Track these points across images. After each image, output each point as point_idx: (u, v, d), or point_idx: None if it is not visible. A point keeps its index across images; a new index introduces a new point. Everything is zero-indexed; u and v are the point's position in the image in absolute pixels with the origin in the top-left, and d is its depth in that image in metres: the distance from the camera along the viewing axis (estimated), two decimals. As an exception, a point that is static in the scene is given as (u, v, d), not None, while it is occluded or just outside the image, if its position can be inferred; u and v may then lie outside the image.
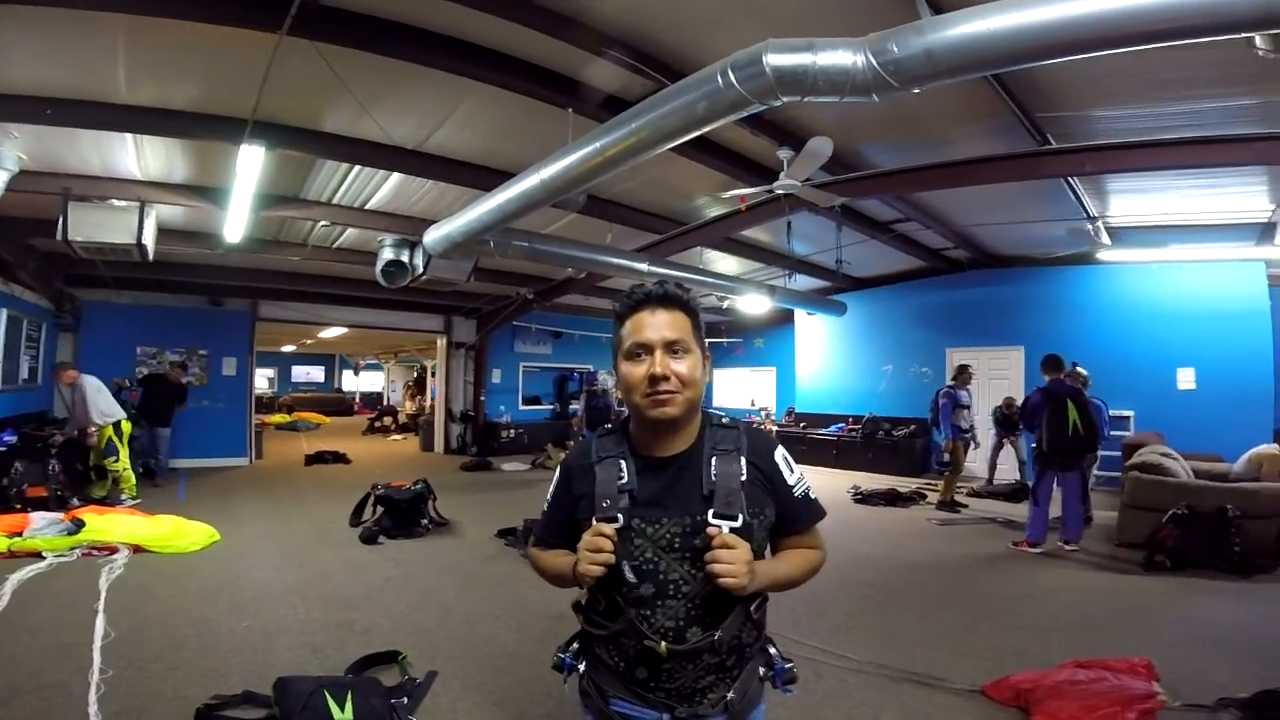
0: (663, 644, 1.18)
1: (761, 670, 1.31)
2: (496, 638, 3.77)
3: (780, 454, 1.32)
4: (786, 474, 1.31)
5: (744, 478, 1.23)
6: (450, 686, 3.15)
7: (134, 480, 7.35)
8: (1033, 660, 3.40)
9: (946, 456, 8.19)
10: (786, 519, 1.31)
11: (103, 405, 7.23)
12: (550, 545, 1.39)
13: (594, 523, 1.21)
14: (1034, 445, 6.26)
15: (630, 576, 1.20)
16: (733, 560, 1.12)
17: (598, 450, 1.30)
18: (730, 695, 1.23)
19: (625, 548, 1.20)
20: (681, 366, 1.21)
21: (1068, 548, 5.84)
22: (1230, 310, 8.23)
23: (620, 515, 1.21)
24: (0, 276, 7.35)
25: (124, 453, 7.28)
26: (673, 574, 1.20)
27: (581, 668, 1.33)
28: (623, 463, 1.26)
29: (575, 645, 1.37)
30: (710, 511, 1.19)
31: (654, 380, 1.19)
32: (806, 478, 1.36)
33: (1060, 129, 5.06)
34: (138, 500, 7.11)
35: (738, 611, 1.21)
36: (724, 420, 1.32)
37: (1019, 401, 8.59)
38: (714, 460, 1.24)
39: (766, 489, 1.27)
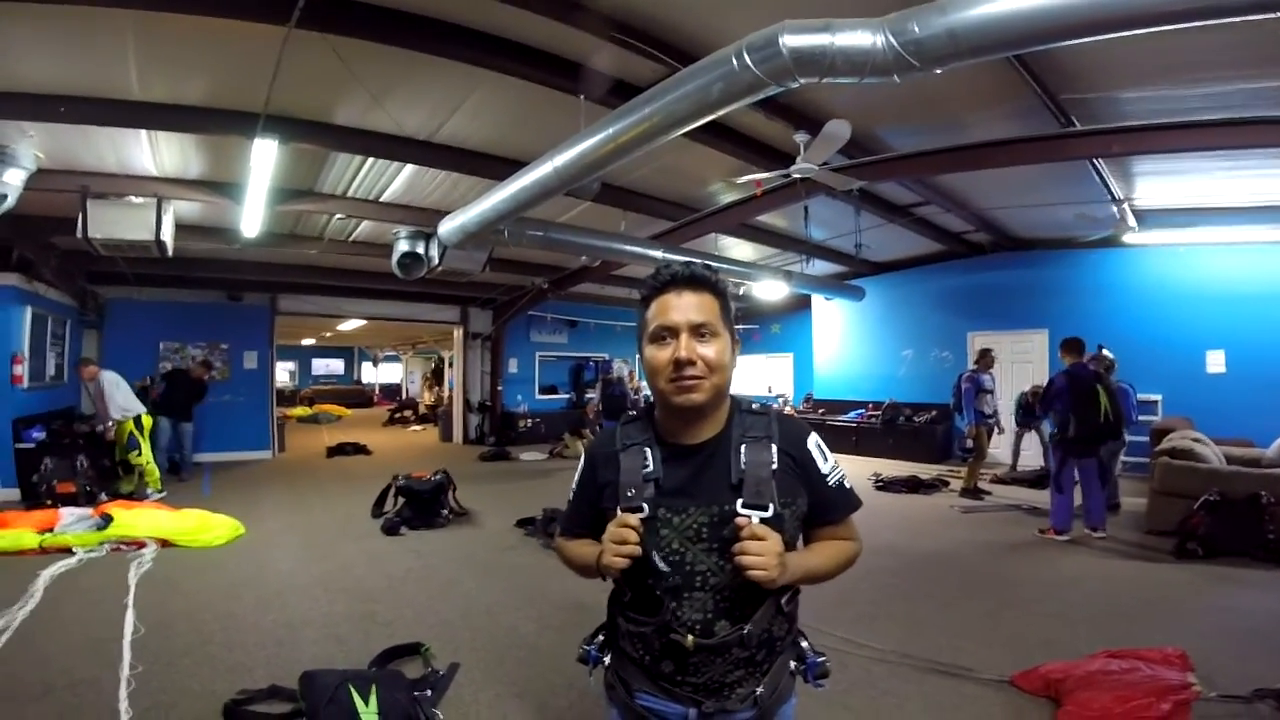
0: (689, 638, 1.15)
1: (793, 664, 1.27)
2: (517, 629, 3.78)
3: (814, 441, 1.28)
4: (820, 462, 1.27)
5: (775, 466, 1.19)
6: (472, 678, 3.16)
7: (159, 474, 7.47)
8: (1061, 650, 3.34)
9: (970, 442, 8.09)
10: (820, 509, 1.27)
11: (120, 400, 7.35)
12: (576, 535, 1.36)
13: (619, 513, 1.18)
14: (1054, 431, 6.13)
15: (663, 565, 1.16)
16: (762, 552, 1.08)
17: (622, 438, 1.27)
18: (760, 690, 1.20)
19: (651, 538, 1.17)
20: (709, 350, 1.17)
21: (1095, 535, 5.74)
22: (1260, 292, 7.99)
23: (646, 505, 1.18)
24: (24, 275, 7.44)
25: (146, 447, 7.38)
26: (700, 565, 1.17)
27: (607, 660, 1.31)
28: (648, 450, 1.23)
29: (600, 638, 1.35)
30: (739, 501, 1.15)
31: (679, 365, 1.15)
32: (841, 466, 1.31)
33: (1085, 111, 4.93)
34: (164, 494, 7.22)
35: (768, 604, 1.18)
36: (754, 406, 1.28)
37: (1041, 377, 8.48)
38: (743, 448, 1.20)
39: (799, 477, 1.23)
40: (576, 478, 1.37)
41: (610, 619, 1.32)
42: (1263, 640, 3.53)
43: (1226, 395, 8.01)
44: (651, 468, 1.21)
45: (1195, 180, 6.54)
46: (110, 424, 7.30)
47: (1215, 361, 8.29)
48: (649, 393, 1.31)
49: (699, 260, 1.30)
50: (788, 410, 13.00)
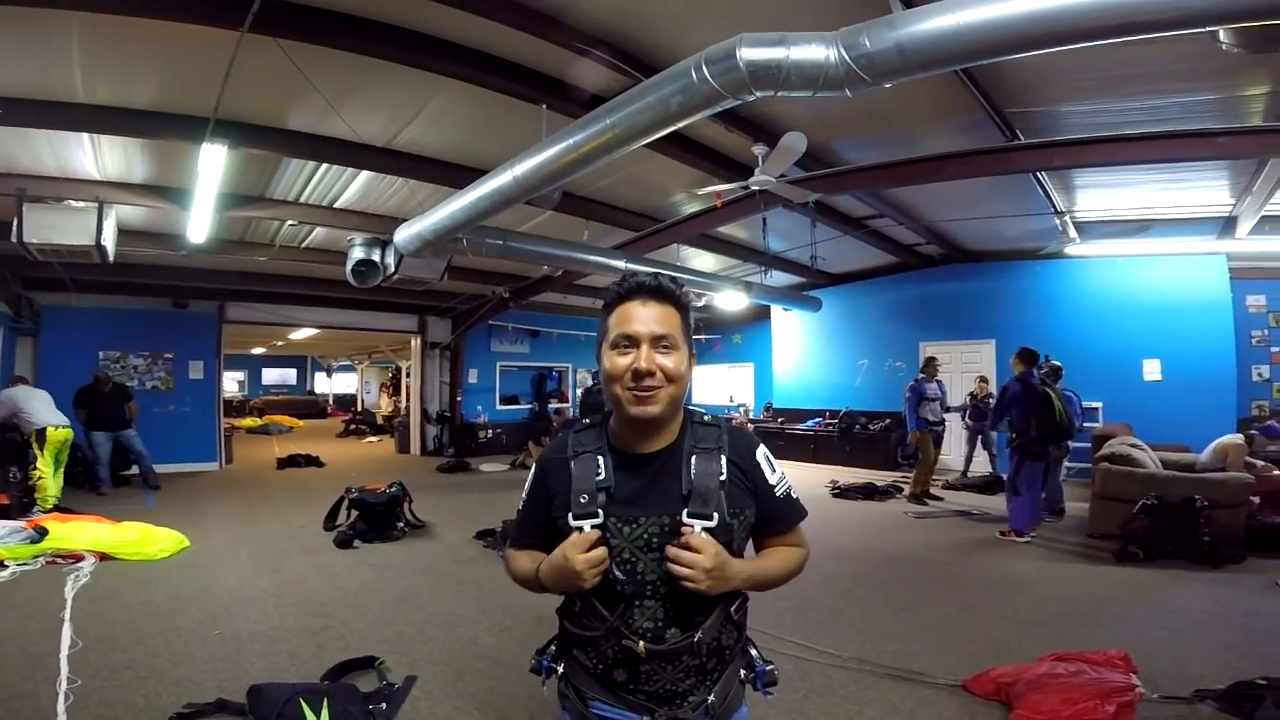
0: (641, 644, 1.16)
1: (742, 672, 1.29)
2: (476, 641, 3.73)
3: (762, 453, 1.30)
4: (768, 473, 1.29)
5: (724, 477, 1.21)
6: (430, 691, 3.10)
7: (53, 491, 6.89)
8: (1012, 653, 3.44)
9: (913, 449, 8.30)
10: (768, 519, 1.30)
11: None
12: (526, 546, 1.35)
13: (570, 520, 1.18)
14: (1011, 436, 6.35)
15: (619, 574, 1.16)
16: (692, 564, 1.10)
17: (574, 445, 1.26)
18: (711, 699, 1.22)
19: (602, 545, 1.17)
20: (668, 361, 1.18)
21: (1012, 539, 6.04)
22: (1193, 303, 8.43)
23: (600, 512, 1.18)
24: (-46, 280, 7.09)
25: (41, 461, 6.85)
26: (650, 574, 1.18)
27: (560, 669, 1.31)
28: (600, 459, 1.23)
29: (553, 648, 1.34)
30: (685, 511, 1.17)
31: (638, 375, 1.16)
32: (788, 478, 1.34)
33: (1029, 124, 5.14)
34: (50, 510, 6.57)
35: (718, 612, 1.19)
36: (705, 418, 1.30)
37: (991, 389, 8.74)
38: (694, 459, 1.21)
39: (747, 489, 1.25)
40: (527, 486, 1.35)
41: (562, 629, 1.32)
42: (1202, 640, 3.68)
43: (1163, 402, 8.41)
44: (604, 476, 1.21)
45: (1133, 192, 6.86)
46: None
47: (1152, 370, 8.69)
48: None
49: (665, 272, 1.31)
50: (747, 420, 13.18)
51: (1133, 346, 8.78)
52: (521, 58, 4.29)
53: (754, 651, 1.32)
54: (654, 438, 1.24)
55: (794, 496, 1.33)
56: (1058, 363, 7.15)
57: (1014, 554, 5.67)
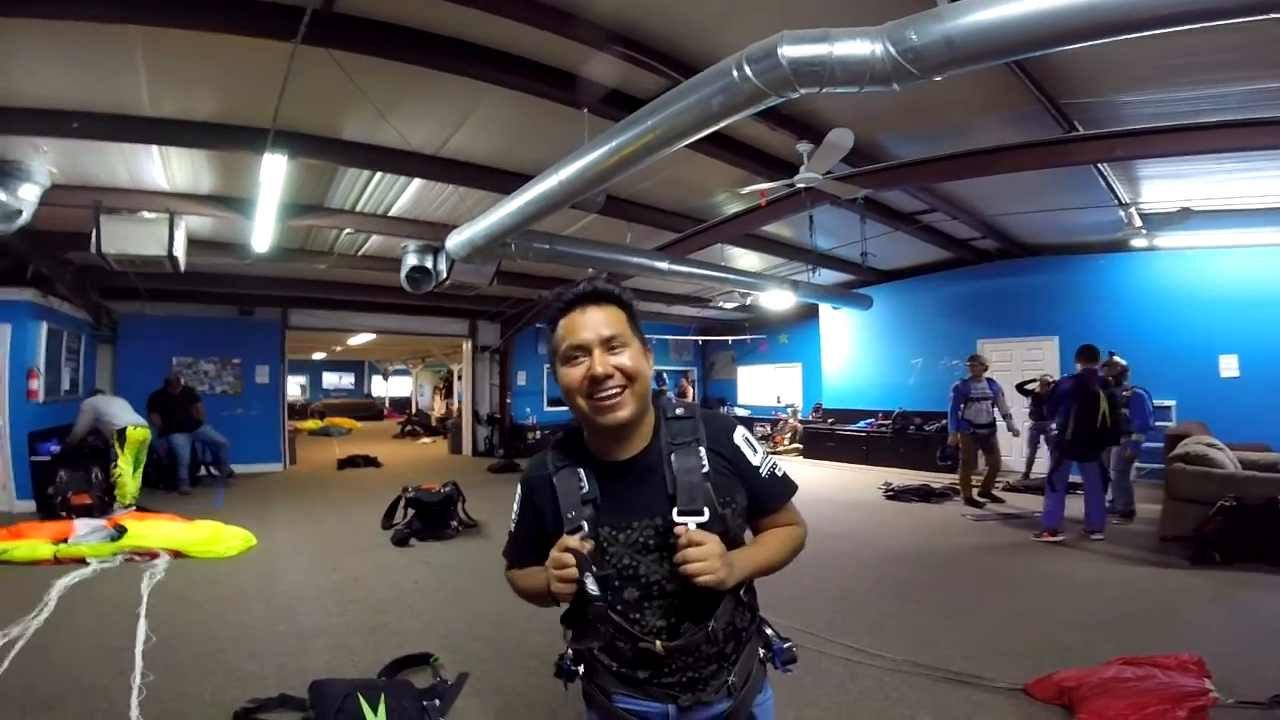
0: (658, 643, 1.16)
1: (761, 651, 1.29)
2: (525, 640, 3.78)
3: (740, 435, 1.29)
4: (750, 455, 1.28)
5: (705, 469, 1.20)
6: (481, 688, 3.17)
7: (132, 489, 7.25)
8: (1075, 658, 3.31)
9: (953, 450, 8.03)
10: (759, 500, 1.28)
11: (80, 427, 7.44)
12: (524, 564, 1.35)
13: (565, 541, 1.17)
14: (1056, 433, 6.14)
15: (592, 589, 1.10)
16: (703, 557, 1.09)
17: (554, 460, 1.27)
18: (732, 679, 1.22)
19: (598, 557, 1.17)
20: (624, 359, 1.18)
21: (1093, 537, 5.77)
22: (1272, 296, 7.92)
23: (585, 524, 1.18)
24: (39, 290, 7.56)
25: (123, 460, 7.20)
26: (654, 575, 1.18)
27: (581, 670, 1.31)
28: (581, 471, 1.23)
29: (572, 651, 1.34)
30: (674, 511, 1.16)
31: (595, 381, 1.16)
32: (771, 456, 1.32)
33: (1087, 115, 4.93)
34: (130, 507, 6.97)
35: (727, 599, 1.19)
36: (678, 411, 1.28)
37: (1032, 383, 8.41)
38: (673, 456, 1.21)
39: (732, 474, 1.24)
40: (516, 507, 1.35)
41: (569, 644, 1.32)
42: (1281, 646, 3.47)
43: (1241, 400, 7.92)
44: (587, 488, 1.21)
45: (1201, 182, 6.52)
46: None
47: (1229, 366, 8.21)
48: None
49: (601, 276, 1.30)
50: (796, 421, 13.02)
51: (1207, 342, 8.30)
52: (561, 62, 4.33)
53: (769, 630, 1.31)
54: (629, 442, 1.23)
55: (779, 474, 1.31)
56: (1122, 360, 6.84)
57: (1077, 557, 5.46)
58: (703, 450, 1.22)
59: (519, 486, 1.37)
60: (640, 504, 1.20)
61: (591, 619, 1.13)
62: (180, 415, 9.11)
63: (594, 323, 1.19)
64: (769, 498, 1.30)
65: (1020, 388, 8.43)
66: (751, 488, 1.27)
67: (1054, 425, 6.20)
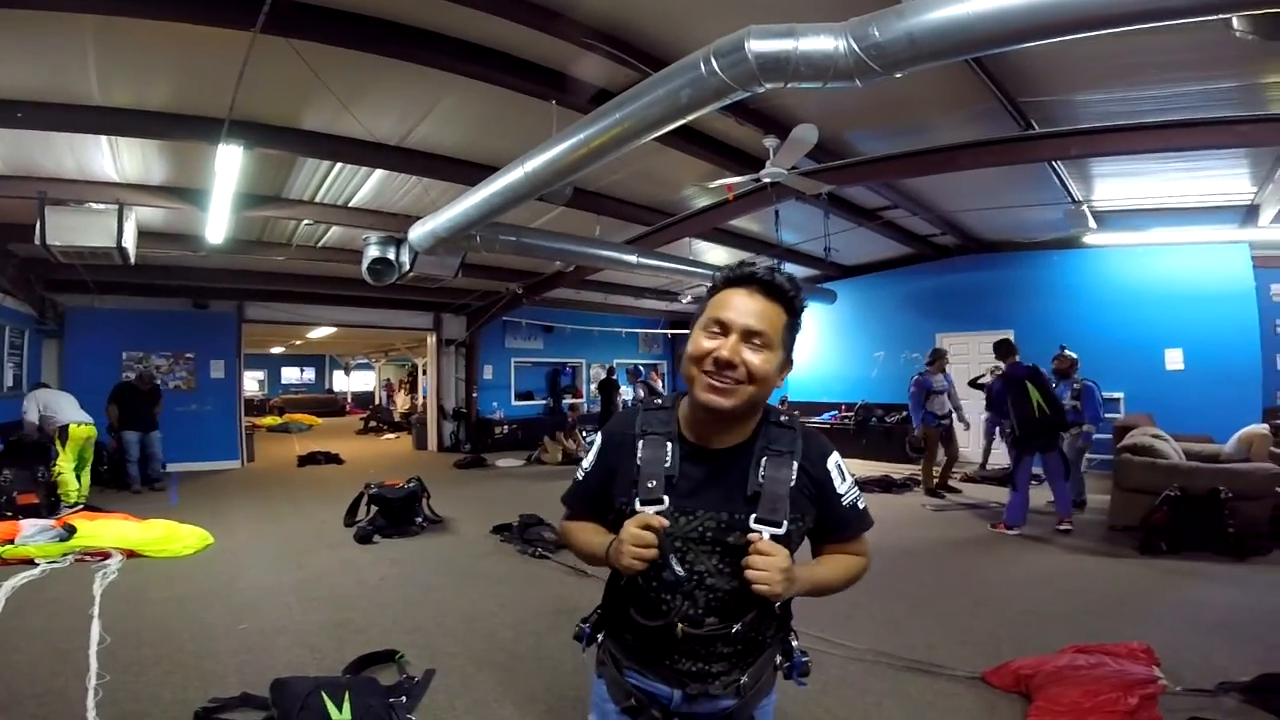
0: (679, 625, 1.17)
1: (778, 660, 1.29)
2: (494, 634, 3.76)
3: (834, 460, 1.27)
4: (838, 482, 1.26)
5: (793, 484, 1.18)
6: (449, 684, 3.14)
7: (74, 487, 6.99)
8: (1032, 646, 3.41)
9: (921, 443, 8.20)
10: (832, 526, 1.28)
11: (31, 416, 7.12)
12: (581, 517, 1.34)
13: (636, 505, 1.17)
14: (1007, 431, 6.33)
15: (679, 570, 1.14)
16: (768, 568, 1.09)
17: (643, 424, 1.23)
18: (744, 680, 1.22)
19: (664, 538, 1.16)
20: (756, 358, 1.12)
21: (1061, 527, 5.90)
22: (1216, 291, 8.29)
23: (666, 499, 1.17)
24: (-21, 284, 7.24)
25: (63, 459, 6.95)
26: (699, 565, 1.18)
27: (600, 638, 1.34)
28: (669, 445, 1.20)
29: (597, 614, 1.36)
30: (753, 517, 1.15)
31: (719, 363, 1.12)
32: (857, 487, 1.31)
33: (1044, 114, 5.07)
34: (78, 507, 6.75)
35: (762, 609, 1.18)
36: (782, 419, 1.26)
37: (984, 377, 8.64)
38: (765, 460, 1.19)
39: (812, 496, 1.23)
40: (590, 457, 1.33)
41: (610, 599, 1.33)
42: (1227, 633, 3.63)
43: (1185, 392, 8.28)
44: (670, 464, 1.18)
45: (1152, 181, 6.76)
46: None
47: (1174, 359, 8.56)
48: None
49: (785, 271, 1.28)
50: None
51: (1154, 336, 8.65)
52: (529, 54, 4.29)
53: (794, 642, 1.30)
54: (726, 433, 1.20)
55: (862, 507, 1.30)
56: (1073, 353, 7.07)
57: (1033, 547, 5.63)
58: (795, 464, 1.20)
59: (599, 436, 1.34)
60: (713, 495, 1.18)
61: (660, 594, 1.17)
62: (140, 413, 8.80)
63: (748, 309, 1.14)
64: (842, 527, 1.28)
65: (973, 383, 8.64)
66: (829, 513, 1.25)
67: (995, 424, 6.37)
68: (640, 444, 1.21)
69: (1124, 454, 5.97)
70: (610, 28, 4.04)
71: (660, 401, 1.29)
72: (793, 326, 1.19)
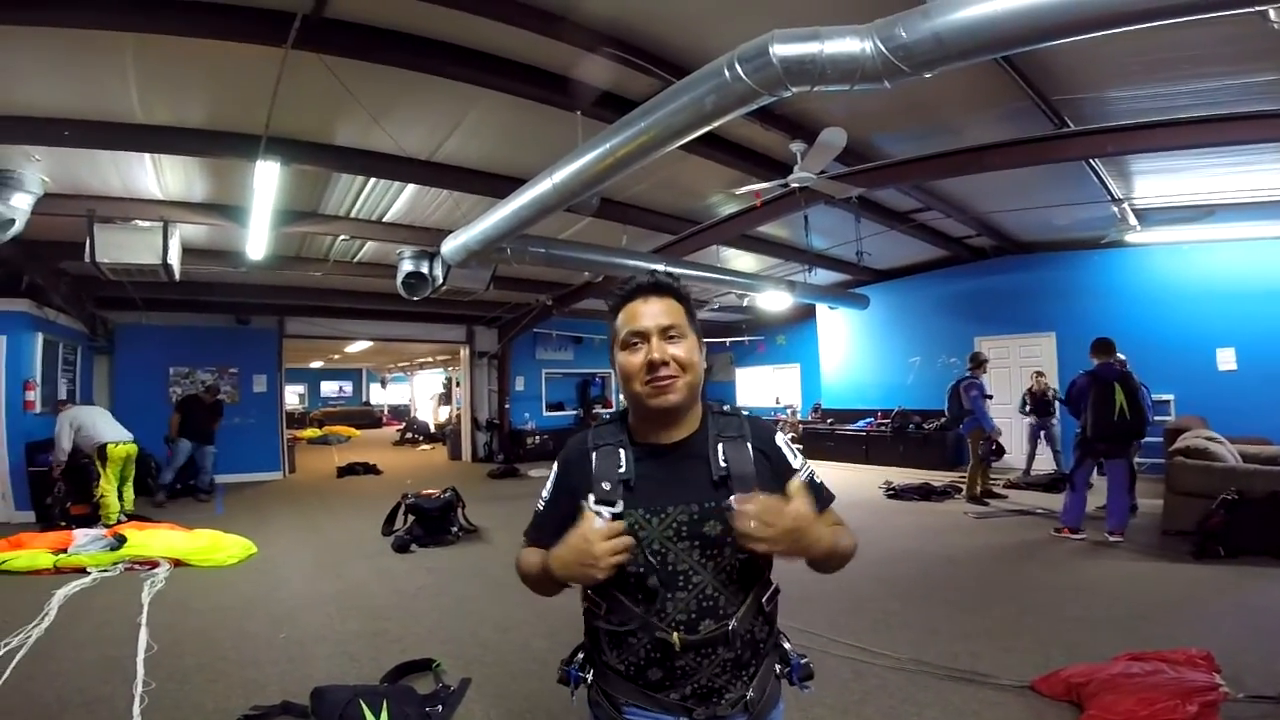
0: (675, 635, 1.15)
1: (778, 667, 1.28)
2: (529, 645, 3.77)
3: (782, 439, 1.32)
4: (791, 459, 1.30)
5: (753, 464, 1.22)
6: (484, 694, 3.15)
7: (117, 508, 6.88)
8: (1083, 654, 3.30)
9: (996, 445, 7.87)
10: None
11: (64, 443, 6.83)
12: (543, 545, 1.27)
13: (591, 503, 1.17)
14: (1077, 431, 6.10)
15: (641, 567, 1.15)
16: (755, 505, 1.07)
17: (594, 439, 1.28)
18: (750, 694, 1.20)
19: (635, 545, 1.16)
20: (679, 350, 1.21)
21: (1111, 539, 5.67)
22: (1267, 289, 7.94)
23: (621, 502, 1.18)
24: (33, 301, 7.54)
25: (105, 479, 6.84)
26: (681, 564, 1.17)
27: (589, 678, 1.29)
28: (621, 452, 1.24)
29: (580, 655, 1.34)
30: (732, 497, 1.14)
31: (652, 366, 1.19)
32: (809, 464, 1.33)
33: (1077, 111, 4.96)
34: (110, 525, 6.48)
35: (750, 602, 1.19)
36: (725, 408, 1.32)
37: (1050, 383, 8.40)
38: (721, 446, 1.23)
39: (773, 477, 1.24)
40: (550, 483, 1.35)
41: (590, 633, 1.31)
42: (1290, 639, 3.46)
43: (1239, 393, 7.94)
44: (625, 468, 1.22)
45: (1194, 177, 6.53)
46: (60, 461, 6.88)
47: (1226, 359, 8.23)
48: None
49: (660, 269, 1.33)
50: (797, 421, 13.01)
51: (1205, 336, 8.32)
52: (552, 65, 4.32)
53: (787, 645, 1.31)
54: (674, 428, 1.25)
55: (818, 481, 1.31)
56: (1120, 355, 6.83)
57: (1083, 553, 5.45)
58: (749, 446, 1.24)
59: (555, 464, 1.37)
60: (679, 490, 1.20)
61: (639, 599, 1.17)
62: (199, 425, 9.12)
63: (654, 312, 1.23)
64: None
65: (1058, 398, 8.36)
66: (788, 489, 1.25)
67: (1056, 426, 6.13)
68: (594, 455, 1.25)
69: (1177, 457, 5.75)
70: (632, 36, 4.07)
71: (607, 417, 1.35)
72: (691, 313, 1.28)
